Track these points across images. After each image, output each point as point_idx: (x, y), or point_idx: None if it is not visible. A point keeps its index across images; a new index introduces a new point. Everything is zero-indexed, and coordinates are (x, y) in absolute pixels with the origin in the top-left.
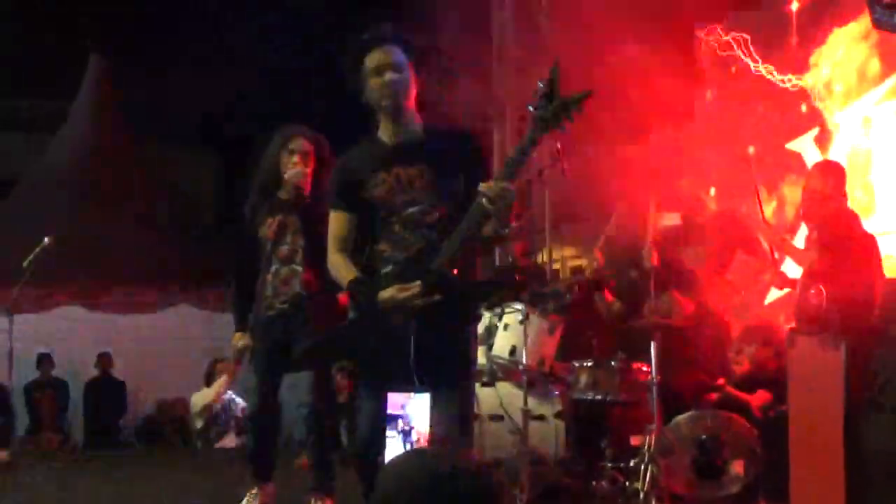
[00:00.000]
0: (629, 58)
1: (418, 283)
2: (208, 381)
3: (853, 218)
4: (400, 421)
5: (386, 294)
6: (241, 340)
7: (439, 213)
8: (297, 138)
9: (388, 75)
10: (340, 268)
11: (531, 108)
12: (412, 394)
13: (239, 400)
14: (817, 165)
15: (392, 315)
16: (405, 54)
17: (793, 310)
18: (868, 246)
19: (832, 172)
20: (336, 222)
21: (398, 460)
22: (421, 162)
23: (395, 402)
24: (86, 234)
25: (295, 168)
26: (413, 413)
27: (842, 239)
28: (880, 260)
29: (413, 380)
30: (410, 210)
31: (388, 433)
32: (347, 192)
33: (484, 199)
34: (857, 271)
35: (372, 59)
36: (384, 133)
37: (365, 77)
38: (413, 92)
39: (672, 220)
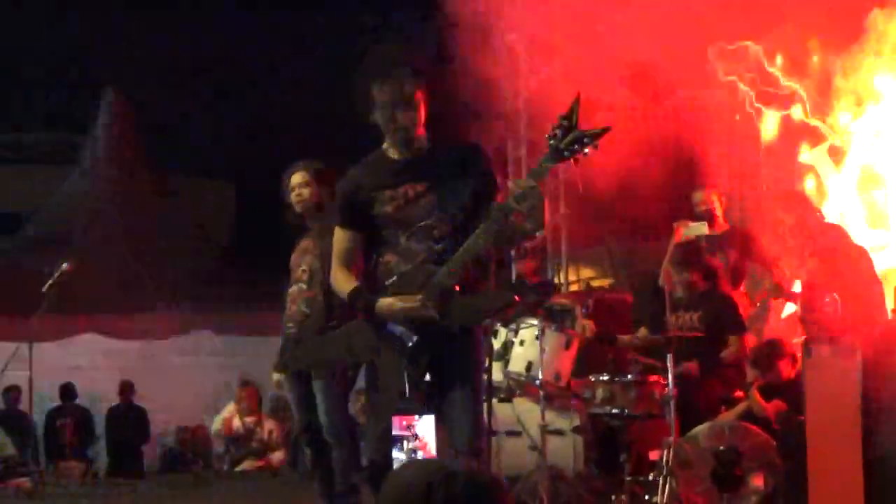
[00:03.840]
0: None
1: (419, 295)
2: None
3: (842, 230)
4: (405, 442)
5: (385, 303)
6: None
7: (447, 227)
8: (294, 174)
9: (400, 114)
10: (341, 280)
11: (548, 137)
12: (417, 416)
13: (266, 423)
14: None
15: (392, 324)
16: (414, 78)
17: (800, 321)
18: (863, 255)
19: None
20: (340, 238)
21: (399, 468)
22: (428, 177)
23: (401, 423)
24: (103, 262)
25: (296, 200)
26: (420, 434)
27: (836, 250)
28: (874, 268)
29: (412, 392)
30: (418, 225)
31: (395, 454)
32: (353, 209)
33: (511, 198)
34: (858, 280)
35: (382, 93)
36: (391, 149)
37: (374, 104)
38: (423, 118)
39: (697, 229)
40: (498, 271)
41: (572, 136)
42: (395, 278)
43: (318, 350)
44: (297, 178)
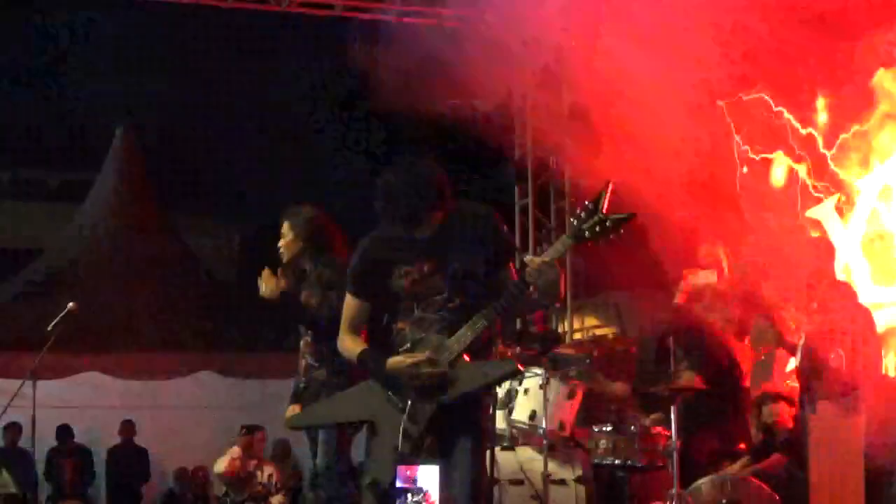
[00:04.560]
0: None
1: (426, 353)
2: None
3: (849, 287)
4: (409, 495)
5: (394, 360)
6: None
7: (460, 299)
8: (283, 224)
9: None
10: (349, 344)
11: (573, 220)
12: (420, 466)
13: (266, 468)
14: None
15: (400, 385)
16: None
17: (798, 373)
18: (867, 314)
19: (829, 252)
20: (350, 306)
21: None
22: (443, 252)
23: (404, 473)
24: (108, 301)
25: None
26: (423, 485)
27: (844, 307)
28: (875, 328)
29: (408, 448)
30: (432, 298)
31: None
32: (366, 281)
33: (527, 274)
34: (862, 338)
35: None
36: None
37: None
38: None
39: (706, 277)
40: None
41: (596, 219)
42: (408, 345)
43: (328, 408)
44: (283, 229)
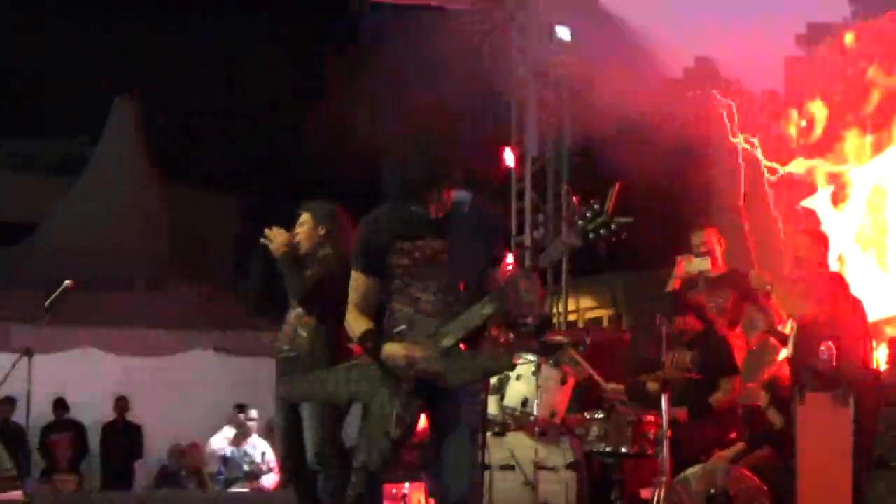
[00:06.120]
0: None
1: (423, 345)
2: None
3: (842, 278)
4: None
5: (390, 349)
6: None
7: (459, 286)
8: (301, 214)
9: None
10: (354, 322)
11: (577, 218)
12: (407, 482)
13: (259, 445)
14: (808, 233)
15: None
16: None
17: (789, 363)
18: (858, 306)
19: (822, 241)
20: (356, 283)
21: None
22: (447, 236)
23: (391, 492)
24: (106, 277)
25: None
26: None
27: (836, 298)
28: (867, 321)
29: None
30: (432, 280)
31: None
32: (370, 256)
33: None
34: (853, 330)
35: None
36: (414, 203)
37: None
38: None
39: (699, 264)
40: None
41: (602, 220)
42: (403, 326)
43: (319, 384)
44: (301, 218)
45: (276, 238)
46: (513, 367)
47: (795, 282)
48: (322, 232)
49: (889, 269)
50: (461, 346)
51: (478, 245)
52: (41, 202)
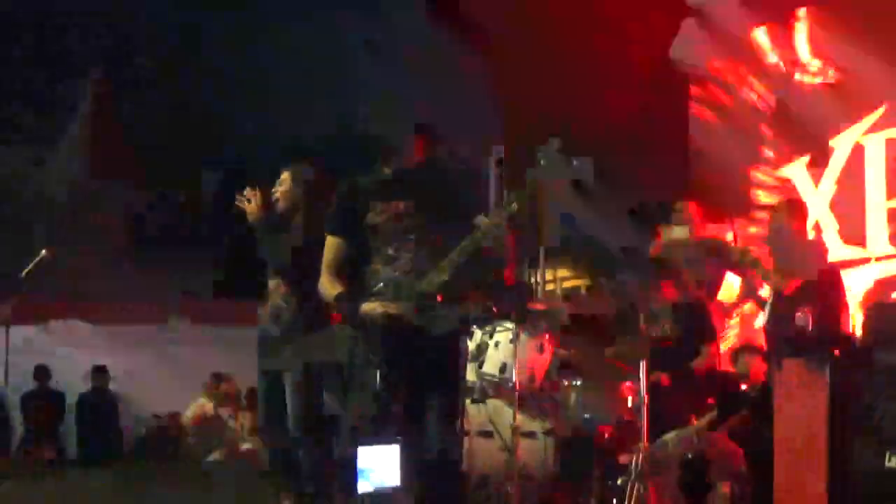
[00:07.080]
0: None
1: (401, 301)
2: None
3: (821, 247)
4: (370, 474)
5: (368, 306)
6: None
7: (432, 242)
8: (283, 173)
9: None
10: (327, 286)
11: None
12: (382, 445)
13: (240, 414)
14: (785, 203)
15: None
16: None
17: (765, 330)
18: (835, 274)
19: (799, 210)
20: (331, 246)
21: None
22: (419, 194)
23: (366, 454)
24: (84, 247)
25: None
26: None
27: (813, 265)
28: (844, 290)
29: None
30: (405, 237)
31: (361, 485)
32: (345, 219)
33: (479, 232)
34: (830, 299)
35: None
36: (387, 164)
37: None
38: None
39: (680, 233)
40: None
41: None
42: (380, 285)
43: (300, 351)
44: (282, 176)
45: (252, 200)
46: (492, 313)
47: (773, 251)
48: (299, 193)
49: (864, 241)
50: (438, 297)
51: (448, 204)
52: (14, 172)
